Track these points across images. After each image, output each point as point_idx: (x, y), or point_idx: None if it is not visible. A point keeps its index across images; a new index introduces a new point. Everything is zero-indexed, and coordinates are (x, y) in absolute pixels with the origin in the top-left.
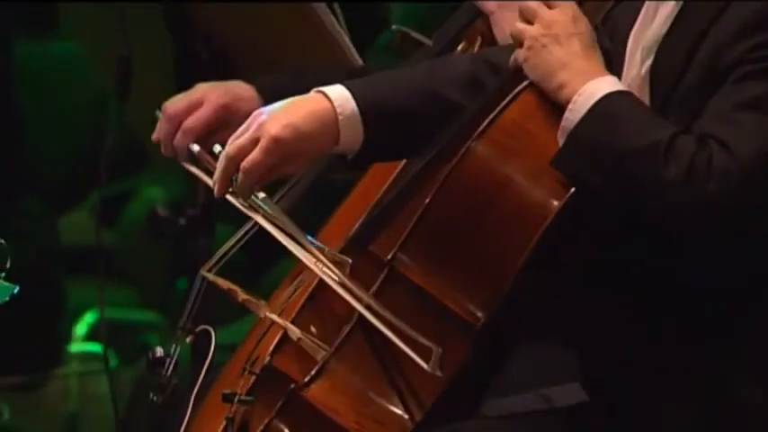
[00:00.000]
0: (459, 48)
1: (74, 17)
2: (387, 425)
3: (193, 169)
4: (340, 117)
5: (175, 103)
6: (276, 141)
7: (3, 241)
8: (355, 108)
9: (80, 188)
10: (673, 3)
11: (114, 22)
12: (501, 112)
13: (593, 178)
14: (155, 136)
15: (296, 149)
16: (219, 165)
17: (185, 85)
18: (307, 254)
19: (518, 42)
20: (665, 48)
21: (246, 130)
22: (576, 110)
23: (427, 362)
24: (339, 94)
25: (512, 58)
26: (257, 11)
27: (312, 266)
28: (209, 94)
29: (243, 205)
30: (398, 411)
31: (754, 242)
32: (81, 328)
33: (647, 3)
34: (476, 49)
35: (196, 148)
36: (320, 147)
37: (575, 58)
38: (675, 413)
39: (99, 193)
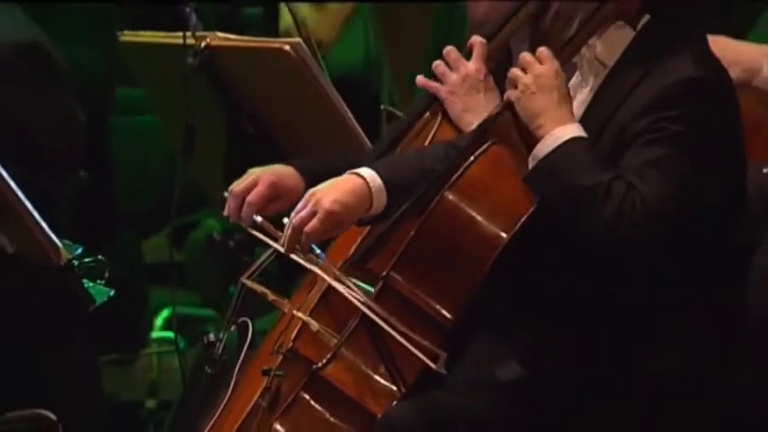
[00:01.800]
0: (426, 116)
1: (157, 99)
2: (380, 395)
3: (256, 233)
4: (373, 190)
5: (239, 185)
6: (330, 213)
7: (103, 258)
8: (381, 184)
9: (158, 220)
10: (587, 90)
11: (182, 103)
12: (466, 169)
13: (549, 196)
14: (225, 212)
15: (343, 218)
16: (287, 231)
17: (235, 151)
18: (338, 283)
19: (512, 84)
20: (583, 124)
21: (305, 205)
22: (546, 146)
23: (435, 362)
24: (369, 174)
25: (506, 95)
26: (290, 100)
27: (341, 290)
28: (262, 176)
29: (303, 259)
30: (389, 385)
31: (664, 263)
32: (159, 321)
33: (572, 84)
34: (438, 118)
35: (259, 218)
36: (359, 213)
37: (552, 107)
38: (590, 386)
39: (172, 224)
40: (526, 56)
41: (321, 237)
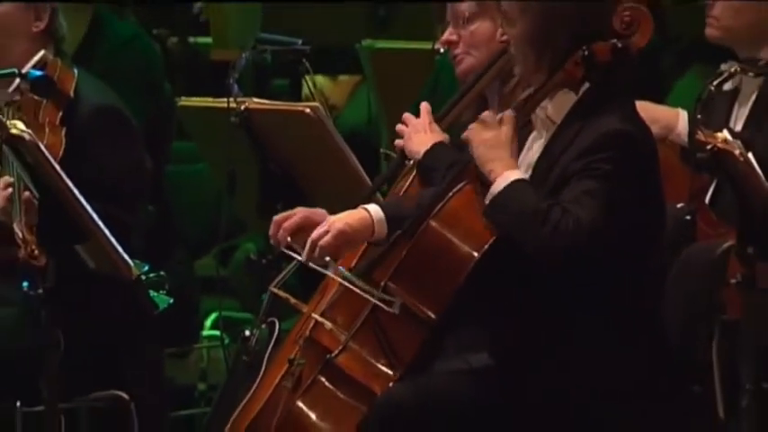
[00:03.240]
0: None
1: (206, 150)
2: (381, 378)
3: (287, 251)
4: (375, 220)
5: (280, 215)
6: (340, 232)
7: (164, 273)
8: (383, 216)
9: (208, 244)
10: (541, 141)
11: (226, 153)
12: (446, 203)
13: (502, 223)
14: (270, 233)
15: (349, 237)
16: (308, 243)
17: (267, 191)
18: (350, 284)
19: (468, 142)
20: (537, 167)
21: (323, 226)
22: (498, 186)
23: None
24: (374, 208)
25: (465, 139)
26: (310, 151)
27: (353, 288)
28: (299, 211)
29: (318, 265)
30: (387, 371)
31: (593, 274)
32: (208, 322)
33: (531, 138)
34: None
35: (289, 239)
36: (364, 236)
37: (501, 156)
38: (543, 372)
39: (219, 247)
40: (489, 116)
41: (332, 250)
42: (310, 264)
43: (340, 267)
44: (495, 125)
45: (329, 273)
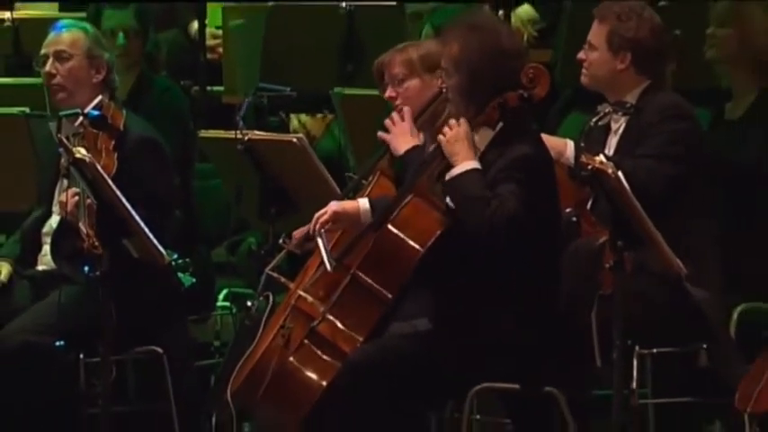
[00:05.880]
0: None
1: (220, 169)
2: (351, 341)
3: (282, 243)
4: (361, 210)
5: (318, 213)
6: (335, 212)
7: (189, 260)
8: (369, 208)
9: (221, 238)
10: (476, 157)
11: (235, 172)
12: (399, 211)
13: (453, 198)
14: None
15: (342, 217)
16: (313, 218)
17: (265, 199)
18: (326, 260)
19: (442, 134)
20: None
21: (325, 208)
22: (456, 171)
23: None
24: (362, 201)
25: (438, 139)
26: (296, 170)
27: (327, 265)
28: (327, 207)
29: (317, 234)
30: (357, 335)
31: (511, 255)
32: (221, 297)
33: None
34: (378, 175)
35: (322, 230)
36: (352, 219)
37: (462, 150)
38: (472, 332)
39: (229, 241)
40: (452, 120)
41: (326, 225)
42: (317, 239)
43: (322, 243)
44: (456, 126)
45: (318, 240)
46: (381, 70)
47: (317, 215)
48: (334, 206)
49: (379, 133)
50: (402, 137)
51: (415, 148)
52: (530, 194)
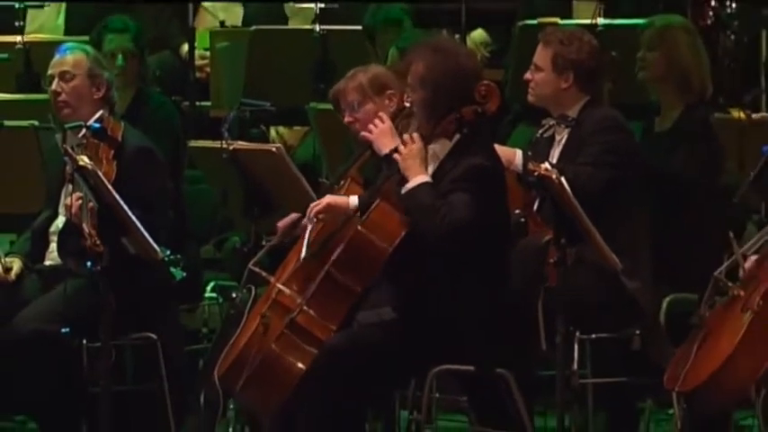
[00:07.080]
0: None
1: (208, 175)
2: (326, 330)
3: (264, 242)
4: (350, 205)
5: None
6: (327, 203)
7: (180, 256)
8: (357, 203)
9: (208, 236)
10: (431, 169)
11: (221, 178)
12: (371, 212)
13: (408, 207)
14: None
15: (332, 209)
16: (309, 207)
17: (249, 200)
18: (305, 252)
19: (395, 158)
20: (435, 177)
21: (319, 200)
22: (410, 185)
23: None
24: (352, 197)
25: (394, 158)
26: (276, 175)
27: (303, 252)
28: (323, 198)
29: (309, 221)
30: (330, 325)
31: (464, 253)
32: (209, 288)
33: (430, 148)
34: (349, 180)
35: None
36: (342, 212)
37: (413, 166)
38: (431, 322)
39: (216, 239)
40: (406, 136)
41: (319, 214)
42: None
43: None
44: (410, 143)
45: (308, 227)
46: (337, 98)
47: (312, 204)
48: (329, 198)
49: (362, 133)
50: (384, 138)
51: (396, 149)
52: (481, 200)
